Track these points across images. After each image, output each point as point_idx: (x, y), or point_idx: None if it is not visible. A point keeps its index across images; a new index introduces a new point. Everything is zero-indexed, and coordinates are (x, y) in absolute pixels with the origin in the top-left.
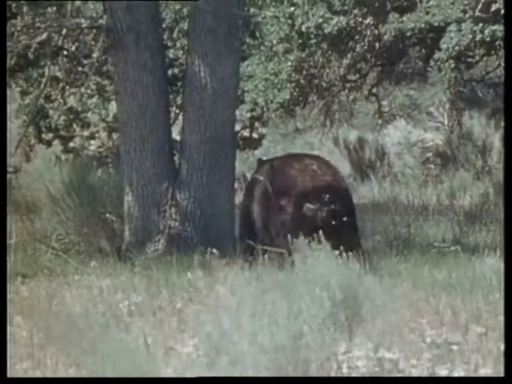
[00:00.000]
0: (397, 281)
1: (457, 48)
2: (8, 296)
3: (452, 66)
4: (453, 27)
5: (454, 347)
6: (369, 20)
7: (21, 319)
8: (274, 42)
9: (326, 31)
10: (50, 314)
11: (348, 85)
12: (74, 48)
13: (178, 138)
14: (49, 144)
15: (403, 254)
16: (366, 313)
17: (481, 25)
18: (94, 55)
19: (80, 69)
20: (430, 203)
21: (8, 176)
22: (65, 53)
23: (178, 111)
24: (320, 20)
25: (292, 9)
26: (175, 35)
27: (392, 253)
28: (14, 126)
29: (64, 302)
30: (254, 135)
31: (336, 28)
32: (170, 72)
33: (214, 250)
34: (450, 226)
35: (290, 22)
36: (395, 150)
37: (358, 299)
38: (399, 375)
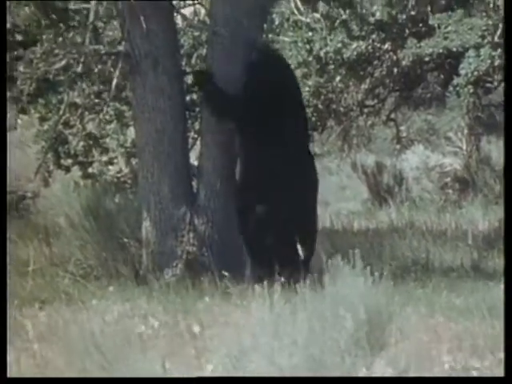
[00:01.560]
0: (415, 306)
1: (475, 73)
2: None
3: (470, 91)
4: (471, 53)
5: (474, 372)
6: (387, 45)
7: (39, 345)
8: (292, 66)
9: (344, 56)
10: (68, 339)
11: (366, 110)
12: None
13: (195, 162)
14: (67, 170)
15: (421, 280)
16: (387, 338)
17: (499, 50)
18: (113, 81)
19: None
20: (449, 228)
21: (26, 201)
22: (84, 79)
23: (196, 136)
24: (339, 45)
25: (310, 34)
26: (193, 61)
27: (410, 278)
28: (32, 152)
29: (82, 327)
30: None
31: (355, 53)
32: (188, 97)
33: (226, 273)
34: (469, 251)
35: (308, 47)
36: (413, 175)
37: (382, 323)
38: None
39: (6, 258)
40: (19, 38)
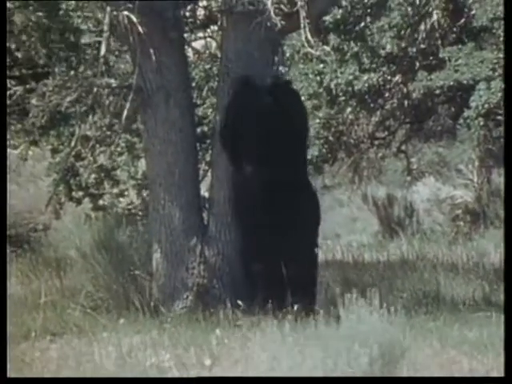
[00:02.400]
0: (427, 339)
1: (486, 106)
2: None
3: (481, 123)
4: (482, 85)
5: None
6: (397, 78)
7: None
8: (303, 98)
9: (355, 88)
10: (79, 372)
11: (376, 142)
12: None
13: (206, 194)
14: (79, 202)
15: (432, 312)
16: (401, 372)
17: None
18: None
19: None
20: (460, 260)
21: (38, 234)
22: (95, 111)
23: (206, 168)
24: (350, 77)
25: (321, 66)
26: (204, 94)
27: (421, 310)
28: (44, 185)
29: (93, 360)
30: None
31: (366, 85)
32: (199, 130)
33: (240, 302)
34: (480, 283)
35: (318, 78)
36: (424, 207)
37: (396, 358)
38: None
39: (5, 255)
40: (31, 71)
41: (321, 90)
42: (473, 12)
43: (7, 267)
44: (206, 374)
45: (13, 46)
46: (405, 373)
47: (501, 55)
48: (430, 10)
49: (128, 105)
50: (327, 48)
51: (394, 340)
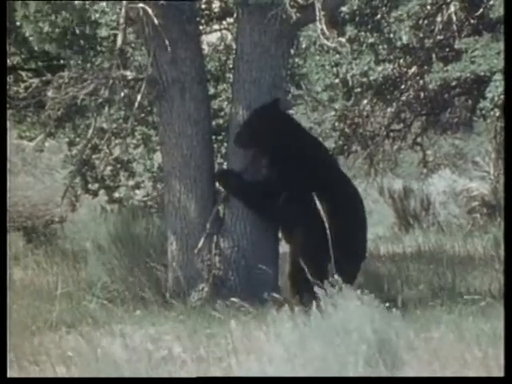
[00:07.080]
0: (441, 331)
1: (502, 97)
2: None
3: (497, 114)
4: (498, 76)
5: None
6: (414, 69)
7: (66, 369)
8: (319, 89)
9: (371, 79)
10: (94, 363)
11: (392, 134)
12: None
13: None
14: (95, 194)
15: (447, 305)
16: (407, 363)
17: None
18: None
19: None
20: (476, 253)
21: (54, 226)
22: (111, 104)
23: (222, 161)
24: (366, 68)
25: (337, 57)
26: (220, 86)
27: (436, 303)
28: (60, 177)
29: (108, 352)
30: None
31: (381, 75)
32: (214, 122)
33: (250, 309)
34: (497, 276)
35: (335, 70)
36: (440, 200)
37: (397, 349)
38: None
39: (5, 248)
40: (48, 63)
41: (337, 81)
42: (490, 3)
43: (8, 264)
44: (221, 366)
45: (30, 39)
46: (415, 367)
47: None
48: (448, 0)
49: (139, 96)
50: (343, 40)
51: (406, 332)
